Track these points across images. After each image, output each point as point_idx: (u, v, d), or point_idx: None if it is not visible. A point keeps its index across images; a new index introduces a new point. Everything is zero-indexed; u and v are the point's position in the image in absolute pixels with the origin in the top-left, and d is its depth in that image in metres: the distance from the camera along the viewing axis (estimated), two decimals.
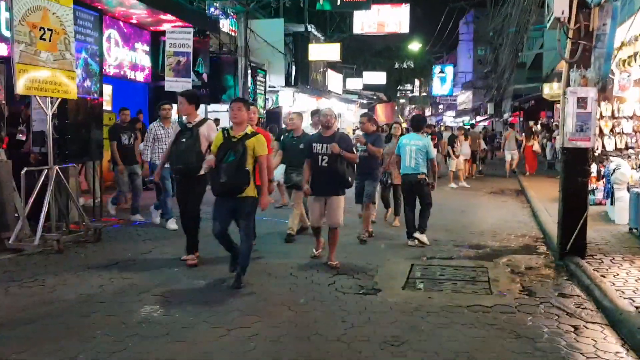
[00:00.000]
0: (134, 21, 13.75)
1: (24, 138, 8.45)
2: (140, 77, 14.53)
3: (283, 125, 16.18)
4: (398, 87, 40.96)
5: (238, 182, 5.33)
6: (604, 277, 5.58)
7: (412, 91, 45.16)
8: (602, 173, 10.02)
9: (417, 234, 7.50)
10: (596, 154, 10.10)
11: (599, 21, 6.09)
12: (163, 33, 12.94)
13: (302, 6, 22.29)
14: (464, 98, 56.65)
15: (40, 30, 6.85)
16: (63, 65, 7.22)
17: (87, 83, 8.67)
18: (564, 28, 6.29)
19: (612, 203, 8.84)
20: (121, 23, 13.49)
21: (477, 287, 5.67)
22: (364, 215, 7.93)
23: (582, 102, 6.10)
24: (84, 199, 10.17)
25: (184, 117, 6.36)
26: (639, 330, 4.08)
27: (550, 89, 19.84)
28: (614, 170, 8.85)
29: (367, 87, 31.78)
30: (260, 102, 17.55)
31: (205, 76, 14.68)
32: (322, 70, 23.83)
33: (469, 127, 22.82)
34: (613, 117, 10.81)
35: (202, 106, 16.19)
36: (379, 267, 6.34)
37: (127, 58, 13.87)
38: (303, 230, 7.99)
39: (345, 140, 6.40)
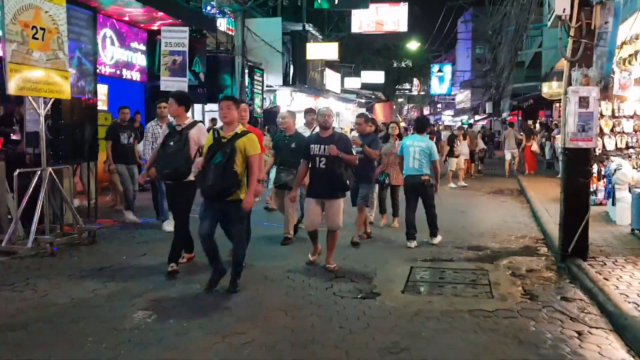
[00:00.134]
0: (130, 20, 13.62)
1: (18, 138, 8.33)
2: (136, 76, 14.40)
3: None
4: (396, 86, 40.87)
5: (225, 184, 5.09)
6: (607, 280, 5.47)
7: (410, 90, 45.05)
8: (602, 173, 9.91)
9: (431, 240, 7.65)
10: (596, 154, 9.99)
11: (600, 19, 5.98)
12: (159, 32, 12.83)
13: (299, 5, 22.16)
14: (463, 97, 56.54)
15: (32, 29, 6.72)
16: (56, 65, 7.10)
17: (82, 83, 8.55)
18: (565, 26, 6.18)
19: (613, 203, 8.74)
20: (117, 22, 13.36)
21: (478, 290, 5.56)
22: (358, 219, 7.67)
23: (583, 101, 5.99)
24: (79, 200, 10.05)
25: (174, 119, 6.10)
26: None
27: (549, 88, 19.73)
28: (615, 170, 8.75)
29: (365, 86, 31.65)
30: (257, 101, 17.44)
31: (202, 75, 14.56)
32: (320, 69, 23.70)
33: (466, 126, 22.74)
34: (613, 116, 10.70)
35: (199, 106, 16.19)
36: (377, 270, 6.23)
37: (123, 57, 13.74)
38: (297, 228, 7.76)
39: (344, 142, 6.21)
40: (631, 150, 10.49)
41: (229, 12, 16.27)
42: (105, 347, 4.07)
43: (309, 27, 21.75)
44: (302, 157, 6.30)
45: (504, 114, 34.16)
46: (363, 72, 31.30)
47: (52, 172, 7.25)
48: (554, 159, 19.38)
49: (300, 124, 8.53)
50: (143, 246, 7.31)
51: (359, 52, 31.77)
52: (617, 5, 5.98)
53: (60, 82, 7.14)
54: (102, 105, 12.64)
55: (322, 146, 6.06)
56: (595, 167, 9.97)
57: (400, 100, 48.09)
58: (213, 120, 16.68)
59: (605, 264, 6.12)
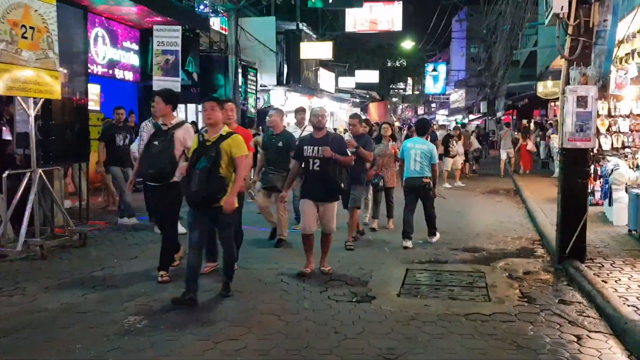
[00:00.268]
0: (123, 19, 13.49)
1: (9, 137, 8.19)
2: (129, 76, 14.27)
3: None
4: (391, 86, 40.79)
5: (211, 190, 4.88)
6: (606, 282, 5.40)
7: (404, 90, 44.99)
8: (599, 173, 9.86)
9: (430, 239, 7.71)
10: (592, 154, 9.93)
11: (599, 17, 5.91)
12: (152, 31, 12.67)
13: (293, 4, 22.05)
14: (457, 96, 56.61)
15: (21, 28, 6.59)
16: (46, 65, 6.97)
17: (72, 82, 8.42)
18: (563, 24, 6.10)
19: (610, 204, 8.68)
20: (109, 21, 13.23)
21: (475, 293, 5.47)
22: (350, 222, 7.49)
23: (582, 101, 5.91)
24: (70, 202, 9.94)
25: (160, 119, 5.91)
26: None
27: (544, 87, 19.71)
28: (612, 171, 8.68)
29: (359, 85, 31.56)
30: (251, 101, 17.32)
31: (195, 75, 14.42)
32: (314, 68, 23.59)
33: (459, 125, 22.69)
34: (610, 115, 10.66)
35: (192, 106, 16.06)
36: (373, 273, 6.14)
37: (116, 57, 13.62)
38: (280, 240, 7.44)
39: (338, 142, 5.99)
40: (627, 150, 10.45)
41: (222, 11, 16.14)
42: (94, 354, 3.97)
43: (303, 27, 21.63)
44: (294, 158, 6.14)
45: (499, 114, 34.16)
46: (357, 72, 31.20)
47: (42, 174, 7.13)
48: (548, 159, 19.40)
49: (292, 124, 8.41)
50: (135, 249, 7.20)
51: (353, 51, 31.69)
52: (615, 3, 5.90)
53: (50, 82, 7.01)
54: (94, 106, 12.51)
55: (316, 147, 5.84)
56: (591, 167, 9.92)
57: (394, 99, 47.99)
58: None
59: (603, 266, 6.05)
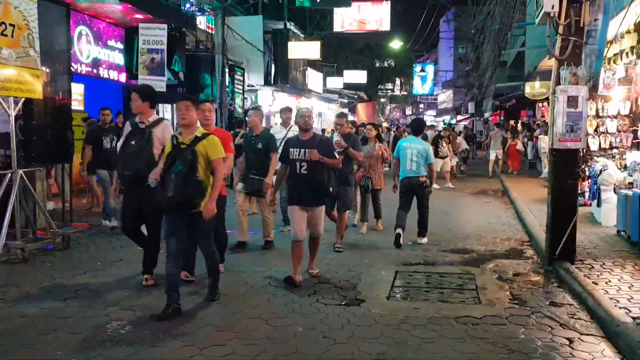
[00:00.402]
0: (107, 17, 13.29)
1: None
2: (114, 75, 14.06)
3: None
4: (379, 86, 40.83)
5: (188, 195, 4.62)
6: (596, 284, 5.35)
7: (393, 90, 45.08)
8: (587, 174, 9.85)
9: (419, 240, 7.69)
10: (580, 154, 9.92)
11: (590, 16, 5.87)
12: (138, 30, 12.51)
13: (281, 2, 21.92)
14: (445, 97, 56.71)
15: (1, 25, 6.42)
16: (27, 63, 6.80)
17: (55, 82, 8.24)
18: (554, 23, 6.05)
19: (598, 205, 8.67)
20: (94, 19, 13.02)
21: (465, 295, 5.40)
22: (339, 225, 7.36)
23: (572, 101, 5.86)
24: (54, 203, 9.76)
25: (137, 117, 5.62)
26: (639, 345, 3.83)
27: (531, 88, 19.73)
28: (600, 171, 8.68)
29: (347, 86, 31.51)
30: (238, 101, 17.18)
31: (181, 74, 14.24)
32: (302, 68, 23.48)
33: (446, 126, 22.76)
34: (597, 116, 10.67)
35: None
36: (362, 275, 6.05)
37: (101, 56, 13.40)
38: (242, 244, 7.13)
39: (325, 145, 5.76)
40: (615, 150, 10.46)
41: (208, 10, 15.97)
42: None
43: (291, 26, 21.52)
44: (280, 160, 5.95)
45: (486, 114, 34.23)
46: (345, 72, 31.14)
47: (24, 175, 6.96)
48: (536, 159, 19.49)
49: (287, 123, 8.20)
50: (119, 251, 7.04)
51: (342, 51, 31.63)
52: (606, 2, 5.87)
53: (31, 81, 6.85)
54: (78, 105, 12.31)
55: (303, 150, 5.61)
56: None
57: (382, 100, 48.07)
58: None
59: (593, 267, 6.01)
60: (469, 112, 38.43)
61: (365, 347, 4.10)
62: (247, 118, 7.63)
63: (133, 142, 5.39)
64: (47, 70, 7.92)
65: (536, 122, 21.08)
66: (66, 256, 6.87)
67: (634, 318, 4.35)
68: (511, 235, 8.41)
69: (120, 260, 6.61)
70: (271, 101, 20.50)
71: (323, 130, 18.21)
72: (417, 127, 8.22)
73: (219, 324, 4.55)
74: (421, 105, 64.63)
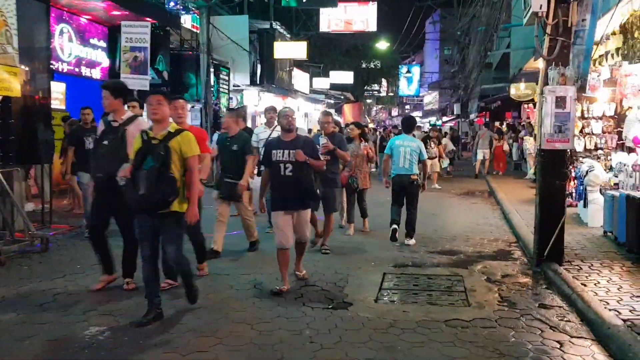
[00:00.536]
0: (90, 15, 13.05)
1: None
2: (96, 74, 13.80)
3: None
4: (365, 87, 40.78)
5: (162, 193, 4.32)
6: (585, 285, 5.30)
7: (379, 91, 45.07)
8: (572, 174, 9.84)
9: (407, 241, 7.62)
10: (568, 155, 9.92)
11: (578, 16, 5.83)
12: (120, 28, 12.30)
13: (267, 2, 21.77)
14: (431, 98, 56.92)
15: None
16: (4, 60, 6.64)
17: (34, 80, 8.05)
18: (542, 23, 6.00)
19: (585, 205, 8.66)
20: (76, 17, 12.77)
21: (454, 298, 5.32)
22: (326, 227, 7.19)
23: (560, 101, 5.82)
24: (34, 204, 9.55)
25: (110, 115, 5.32)
26: (630, 348, 3.77)
27: (516, 90, 19.79)
28: (586, 172, 8.66)
29: (334, 86, 31.42)
30: (224, 101, 17.00)
31: (165, 74, 14.04)
32: (288, 69, 23.33)
33: (435, 127, 22.84)
34: (582, 117, 10.68)
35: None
36: (349, 277, 5.94)
37: (83, 54, 13.14)
38: (214, 253, 6.63)
39: (309, 145, 5.55)
40: (600, 151, 10.48)
41: (193, 9, 15.78)
42: None
43: (277, 26, 21.38)
44: (262, 163, 5.68)
45: (472, 115, 34.39)
46: (332, 72, 31.04)
47: (1, 175, 6.77)
48: (521, 160, 19.59)
49: (272, 123, 8.03)
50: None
51: (328, 51, 31.50)
52: (594, 2, 5.83)
53: (9, 79, 6.69)
54: (59, 105, 12.07)
55: (287, 151, 5.37)
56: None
57: (369, 101, 48.03)
58: None
59: (581, 269, 5.97)
60: (455, 113, 38.63)
61: (353, 352, 4.00)
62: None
63: (106, 142, 5.13)
64: (26, 68, 7.74)
65: (521, 124, 21.18)
66: (45, 259, 6.68)
67: (624, 320, 4.29)
68: (498, 236, 8.36)
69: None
70: (257, 101, 20.35)
71: (310, 131, 18.06)
72: (409, 125, 8.21)
73: (202, 329, 4.41)
74: (407, 107, 64.81)
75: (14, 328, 4.44)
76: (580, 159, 10.00)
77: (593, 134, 10.71)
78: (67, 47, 12.51)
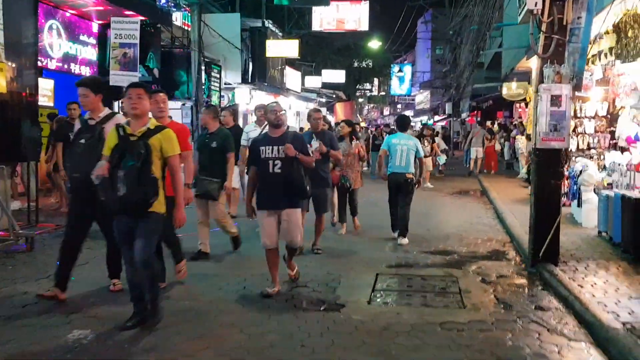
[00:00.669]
0: (79, 11, 12.84)
1: None
2: (85, 71, 13.58)
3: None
4: (357, 86, 40.72)
5: (142, 194, 4.05)
6: (582, 287, 5.22)
7: (371, 90, 45.03)
8: (566, 174, 9.78)
9: (400, 240, 7.57)
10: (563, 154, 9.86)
11: (573, 14, 5.74)
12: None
13: (259, 0, 21.60)
14: (422, 98, 56.93)
15: None
16: None
17: (21, 76, 7.88)
18: (537, 21, 5.91)
19: (579, 205, 8.59)
20: (65, 13, 12.56)
21: (449, 299, 5.21)
22: (317, 227, 7.02)
23: (556, 99, 5.73)
24: (20, 203, 9.37)
25: (88, 113, 5.02)
26: (630, 352, 3.68)
27: (508, 89, 19.78)
28: (580, 172, 8.60)
29: (326, 85, 31.28)
30: (215, 99, 16.82)
31: (156, 71, 13.83)
32: (280, 67, 23.16)
33: (428, 125, 22.84)
34: (575, 117, 10.63)
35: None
36: (341, 278, 5.82)
37: (72, 51, 12.93)
38: (203, 255, 6.53)
39: (299, 141, 5.30)
40: (593, 151, 10.43)
41: (184, 6, 15.60)
42: None
43: (269, 24, 21.19)
44: (250, 163, 5.40)
45: (463, 115, 34.40)
46: (324, 71, 30.90)
47: None
48: (513, 160, 19.59)
49: (262, 121, 7.85)
50: (86, 253, 6.54)
51: (320, 50, 31.38)
52: (590, 0, 5.74)
53: None
54: (47, 102, 11.85)
55: (275, 147, 5.14)
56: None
57: (360, 100, 47.98)
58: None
59: (577, 269, 5.89)
60: (447, 112, 38.62)
61: (346, 356, 3.88)
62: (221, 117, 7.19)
63: (83, 141, 4.82)
64: (13, 64, 7.57)
65: (513, 123, 21.19)
66: (29, 259, 6.52)
67: (623, 323, 4.21)
68: (492, 236, 8.27)
69: (86, 263, 6.24)
70: (249, 99, 20.17)
71: (301, 129, 17.93)
72: (403, 124, 8.29)
73: (190, 332, 4.28)
74: (399, 106, 64.79)
75: None
76: (573, 158, 9.95)
77: (586, 133, 10.67)
78: (56, 43, 12.29)
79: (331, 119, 26.26)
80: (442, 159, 18.06)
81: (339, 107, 36.04)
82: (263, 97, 20.85)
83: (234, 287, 5.45)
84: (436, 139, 19.12)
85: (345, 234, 8.18)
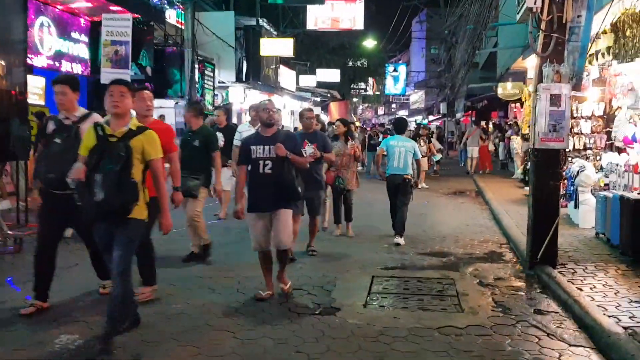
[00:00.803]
0: (71, 8, 12.67)
1: None
2: (77, 69, 13.41)
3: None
4: (352, 86, 40.57)
5: (122, 199, 3.75)
6: (581, 290, 5.13)
7: (365, 90, 44.88)
8: (563, 174, 9.72)
9: (396, 239, 7.55)
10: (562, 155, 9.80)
11: (572, 12, 5.65)
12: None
13: None
14: (417, 97, 56.97)
15: None
16: None
17: (10, 74, 7.73)
18: (536, 19, 5.82)
19: (575, 206, 8.52)
20: (56, 10, 12.39)
21: (446, 302, 5.12)
22: (311, 228, 6.91)
23: (555, 99, 5.64)
24: (9, 203, 9.21)
25: (62, 111, 4.73)
26: (633, 358, 3.59)
27: (503, 89, 19.73)
28: (577, 172, 8.52)
29: (321, 84, 31.12)
30: (208, 98, 16.68)
31: (149, 69, 13.71)
32: (274, 66, 23.03)
33: (423, 125, 22.81)
34: (572, 117, 10.55)
35: None
36: (337, 280, 5.72)
37: (63, 49, 12.76)
38: (195, 256, 6.42)
39: (292, 141, 5.14)
40: (589, 151, 10.37)
41: (177, 4, 15.44)
42: None
43: (263, 23, 21.06)
44: (240, 162, 5.21)
45: (458, 115, 34.37)
46: (318, 70, 30.75)
47: None
48: (508, 160, 19.56)
49: (259, 122, 7.69)
50: (76, 255, 6.50)
51: (315, 49, 31.23)
52: None
53: None
54: (38, 100, 11.68)
55: (266, 147, 4.97)
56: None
57: (355, 99, 47.82)
58: (161, 117, 15.87)
59: (575, 272, 5.80)
60: (441, 112, 38.59)
61: None
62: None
63: (58, 140, 4.59)
64: (1, 62, 7.42)
65: (508, 123, 21.15)
66: (17, 260, 6.37)
67: (624, 328, 4.11)
68: (489, 237, 8.19)
69: (76, 265, 6.13)
70: (243, 98, 20.03)
71: (295, 129, 17.82)
72: (401, 126, 8.46)
73: (181, 337, 4.15)
74: (393, 105, 64.83)
75: None
76: (570, 158, 9.88)
77: (582, 133, 10.61)
78: (47, 40, 12.13)
79: (326, 119, 26.18)
80: (437, 157, 18.04)
81: (333, 106, 35.93)
82: (257, 96, 20.70)
83: (226, 290, 5.34)
84: (432, 139, 19.11)
85: (340, 234, 8.07)
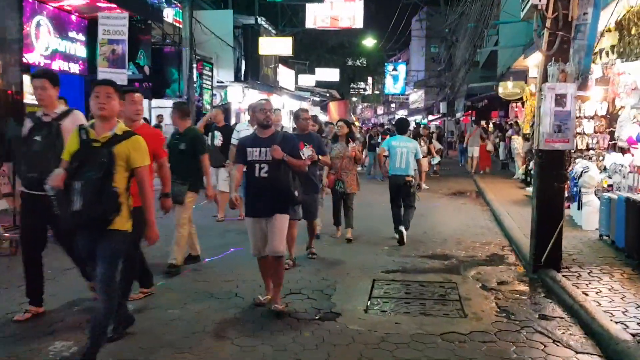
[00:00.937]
0: (68, 8, 12.54)
1: None
2: (75, 69, 13.27)
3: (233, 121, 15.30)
4: (351, 85, 40.45)
5: (101, 209, 3.45)
6: (586, 294, 5.02)
7: (365, 89, 44.76)
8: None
9: (400, 227, 7.67)
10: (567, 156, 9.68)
11: (579, 10, 5.54)
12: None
13: None
14: (417, 97, 56.86)
15: None
16: None
17: (6, 74, 7.62)
18: (541, 16, 5.71)
19: (579, 207, 8.40)
20: (53, 9, 12.26)
21: (449, 307, 5.01)
22: (309, 231, 6.77)
23: (560, 99, 5.53)
24: (7, 203, 9.07)
25: (42, 108, 4.55)
26: None
27: (504, 88, 19.62)
28: (581, 173, 8.41)
29: (319, 84, 31.00)
30: (207, 97, 16.57)
31: (146, 68, 13.58)
32: (273, 65, 22.92)
33: (424, 125, 22.74)
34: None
35: (144, 102, 15.19)
36: (337, 284, 5.61)
37: (60, 48, 12.63)
38: (193, 259, 6.35)
39: (289, 143, 4.92)
40: (592, 152, 10.26)
41: (175, 2, 15.32)
42: None
43: (262, 21, 20.94)
44: (237, 160, 5.01)
45: (458, 114, 34.27)
46: (317, 70, 30.63)
47: None
48: (508, 160, 19.46)
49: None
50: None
51: (314, 49, 31.11)
52: None
53: None
54: (35, 100, 11.58)
55: (263, 149, 4.77)
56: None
57: (354, 99, 47.70)
58: (159, 117, 15.75)
59: (580, 275, 5.69)
60: (441, 112, 38.50)
61: None
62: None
63: (38, 138, 4.40)
64: None
65: (508, 123, 21.04)
66: (13, 263, 6.24)
67: (633, 335, 4.01)
68: (490, 240, 8.07)
69: (72, 267, 5.96)
70: (241, 98, 19.90)
71: (294, 129, 17.72)
72: (403, 127, 8.52)
73: (178, 344, 4.05)
74: (393, 105, 64.74)
75: None
76: (573, 159, 9.77)
77: (585, 133, 10.50)
78: (44, 40, 12.00)
79: (325, 118, 26.07)
80: (436, 159, 17.92)
81: (332, 106, 35.79)
82: (256, 96, 20.57)
83: (225, 295, 5.22)
84: (432, 139, 19.02)
85: (339, 236, 7.95)
